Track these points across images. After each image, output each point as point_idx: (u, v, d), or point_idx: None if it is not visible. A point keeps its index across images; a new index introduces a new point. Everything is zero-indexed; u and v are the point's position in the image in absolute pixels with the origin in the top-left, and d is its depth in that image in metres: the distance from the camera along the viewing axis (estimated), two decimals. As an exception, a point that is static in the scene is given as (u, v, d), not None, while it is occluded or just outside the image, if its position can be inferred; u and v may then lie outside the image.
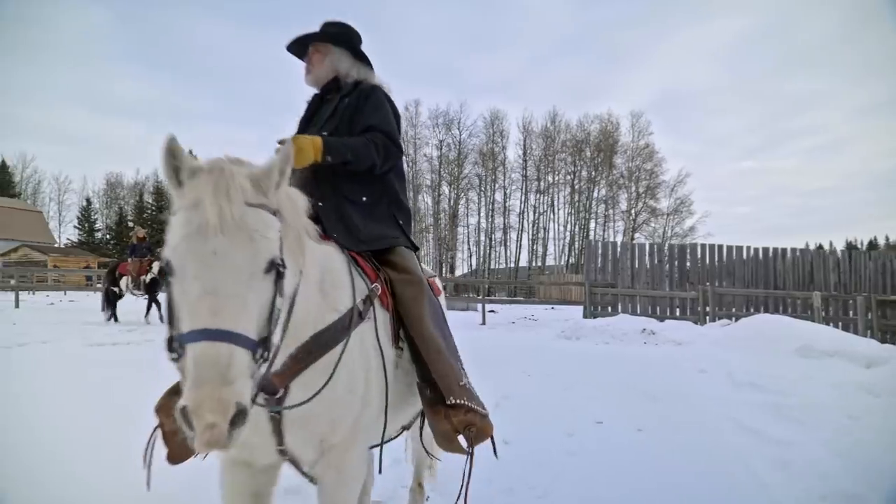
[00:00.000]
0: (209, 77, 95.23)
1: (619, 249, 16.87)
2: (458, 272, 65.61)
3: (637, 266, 16.54)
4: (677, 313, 15.83)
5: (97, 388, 6.15)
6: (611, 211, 64.34)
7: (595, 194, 64.55)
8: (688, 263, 16.61)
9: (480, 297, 17.70)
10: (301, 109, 2.78)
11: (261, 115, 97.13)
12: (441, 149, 65.87)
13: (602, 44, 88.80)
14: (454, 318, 16.40)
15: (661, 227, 62.52)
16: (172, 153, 1.40)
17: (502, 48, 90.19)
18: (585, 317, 15.84)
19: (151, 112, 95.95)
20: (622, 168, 64.02)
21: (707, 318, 14.74)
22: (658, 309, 16.02)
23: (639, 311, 15.88)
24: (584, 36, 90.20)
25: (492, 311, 22.26)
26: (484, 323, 16.34)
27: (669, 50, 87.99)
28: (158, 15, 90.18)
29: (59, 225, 73.74)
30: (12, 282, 31.85)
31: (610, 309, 16.15)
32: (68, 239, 71.01)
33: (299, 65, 2.79)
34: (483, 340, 11.91)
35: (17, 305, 18.81)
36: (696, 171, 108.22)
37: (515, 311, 21.95)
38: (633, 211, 63.16)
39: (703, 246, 16.99)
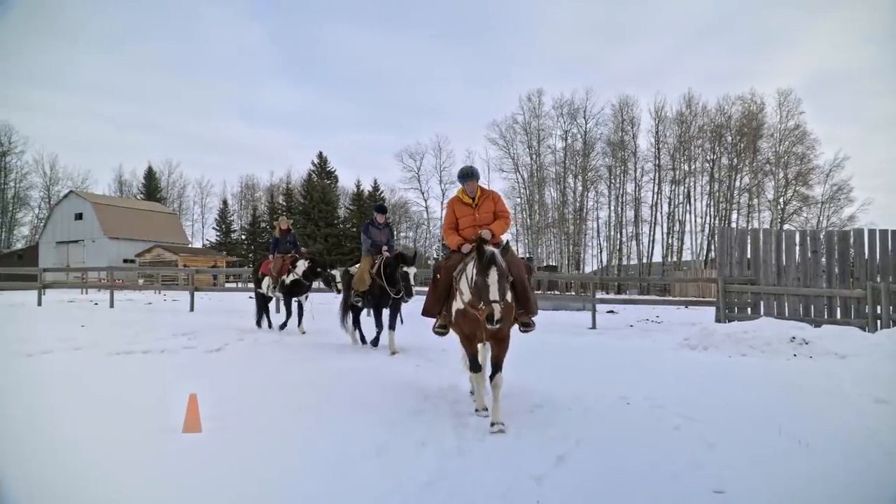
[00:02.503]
0: (347, 85, 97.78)
1: (761, 238, 13.97)
2: (587, 269, 62.54)
3: (785, 258, 13.59)
4: (837, 316, 12.77)
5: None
6: (755, 200, 58.61)
7: (737, 183, 59.09)
8: (852, 253, 13.40)
9: (592, 296, 15.48)
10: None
11: (395, 119, 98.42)
12: (566, 139, 63.13)
13: (746, 27, 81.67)
14: (560, 320, 14.26)
15: (814, 217, 56.07)
16: None
17: (636, 38, 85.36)
18: (718, 320, 13.22)
19: (295, 121, 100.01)
20: (768, 153, 58.04)
21: (879, 322, 11.69)
22: (812, 311, 13.02)
23: (786, 314, 12.95)
24: (725, 20, 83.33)
25: (611, 311, 19.88)
26: (594, 327, 14.16)
27: (824, 29, 79.15)
28: (304, 30, 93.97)
29: (203, 227, 78.68)
30: (141, 282, 33.71)
31: (749, 311, 13.36)
32: (207, 240, 75.56)
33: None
34: (581, 351, 9.89)
35: (111, 305, 18.98)
36: (854, 156, 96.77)
37: (640, 311, 19.42)
38: (781, 200, 57.06)
39: (872, 232, 13.61)
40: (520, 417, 5.38)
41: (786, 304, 13.30)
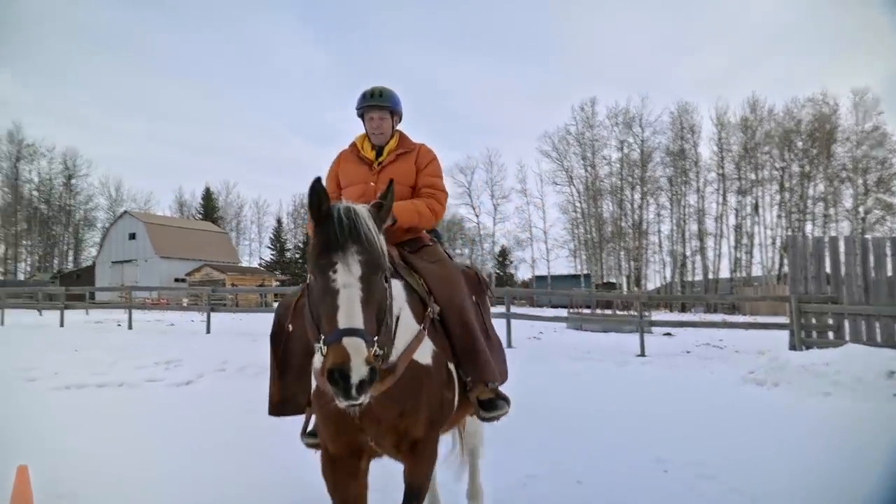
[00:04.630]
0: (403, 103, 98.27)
1: (842, 248, 11.77)
2: (649, 285, 59.65)
3: (874, 272, 11.33)
4: (945, 342, 10.46)
5: None
6: (832, 210, 54.55)
7: (810, 191, 55.22)
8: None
9: (639, 317, 13.51)
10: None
11: (446, 133, 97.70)
12: (622, 150, 60.64)
13: (814, 29, 77.58)
14: (605, 345, 12.45)
15: (901, 225, 51.73)
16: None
17: (696, 47, 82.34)
18: (793, 347, 11.11)
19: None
20: (844, 158, 54.03)
21: None
22: (912, 335, 10.76)
23: (879, 340, 10.71)
24: (792, 24, 79.28)
25: (668, 334, 17.76)
26: (642, 353, 12.21)
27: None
28: (366, 52, 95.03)
29: (259, 246, 79.46)
30: (185, 301, 33.28)
31: (831, 335, 11.17)
32: (262, 259, 76.17)
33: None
34: (618, 386, 8.11)
35: (129, 327, 18.15)
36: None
37: (701, 334, 17.20)
38: (861, 208, 52.86)
39: (982, 240, 11.32)
40: (502, 497, 3.79)
41: (877, 328, 10.99)
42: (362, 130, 3.59)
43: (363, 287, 2.00)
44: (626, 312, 21.76)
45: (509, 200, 66.11)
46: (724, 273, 57.52)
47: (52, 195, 67.44)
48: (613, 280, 59.73)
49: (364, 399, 1.88)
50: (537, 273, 62.57)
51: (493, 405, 2.98)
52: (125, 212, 59.32)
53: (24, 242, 66.69)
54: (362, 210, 2.15)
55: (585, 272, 59.79)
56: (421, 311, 2.70)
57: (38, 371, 8.94)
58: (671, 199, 59.66)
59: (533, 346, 13.91)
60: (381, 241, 2.14)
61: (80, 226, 71.16)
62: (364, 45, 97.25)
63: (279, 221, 77.30)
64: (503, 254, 68.97)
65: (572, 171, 62.46)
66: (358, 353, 1.84)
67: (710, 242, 58.33)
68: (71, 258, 70.77)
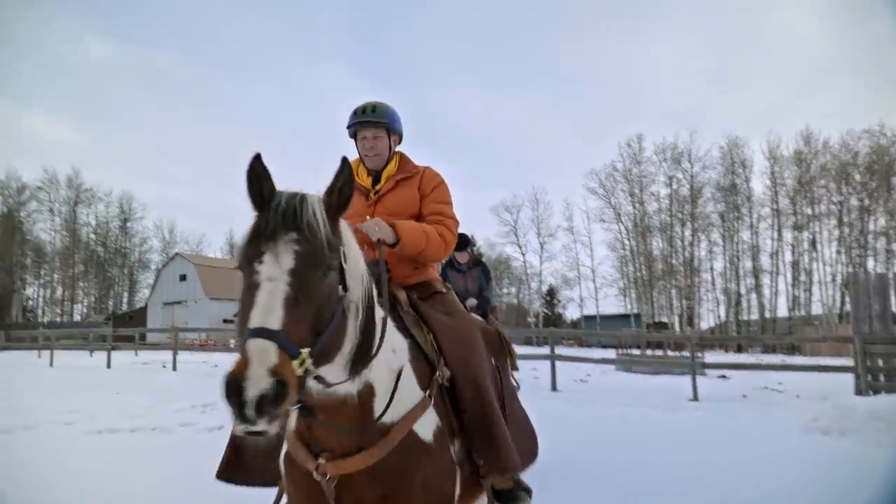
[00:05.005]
0: (447, 142, 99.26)
1: (910, 285, 11.04)
2: (703, 325, 57.79)
3: (945, 310, 10.56)
4: None
5: None
6: (895, 245, 52.13)
7: (871, 226, 52.99)
8: None
9: (691, 358, 12.86)
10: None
11: (490, 172, 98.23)
12: (671, 185, 59.59)
13: (871, 62, 75.59)
14: (655, 387, 11.81)
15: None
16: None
17: (745, 83, 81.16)
18: (859, 391, 10.37)
19: None
20: (906, 190, 51.84)
21: None
22: None
23: (957, 383, 9.93)
24: (846, 58, 77.40)
25: (723, 376, 16.94)
26: (695, 398, 11.57)
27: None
28: (412, 94, 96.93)
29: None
30: (232, 342, 33.53)
31: (903, 378, 10.40)
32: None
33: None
34: (666, 435, 7.60)
35: (174, 368, 18.25)
36: None
37: (758, 377, 16.30)
38: (926, 242, 50.46)
39: None
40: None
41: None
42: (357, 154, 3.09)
43: (293, 282, 1.59)
44: (677, 353, 20.93)
45: (556, 238, 65.44)
46: (782, 312, 55.33)
47: (108, 238, 69.89)
48: (665, 319, 58.10)
49: (271, 427, 1.38)
50: (586, 312, 61.44)
51: (511, 497, 2.59)
52: (177, 254, 60.95)
53: (81, 284, 68.86)
54: (312, 196, 1.80)
55: (636, 311, 58.32)
56: (427, 374, 2.31)
57: (76, 414, 9.02)
58: (723, 235, 58.08)
59: (579, 390, 13.39)
60: (328, 230, 1.74)
61: (134, 268, 73.41)
62: (410, 89, 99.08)
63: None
64: (551, 293, 67.93)
65: (620, 207, 61.66)
66: (261, 358, 1.40)
67: (765, 280, 56.34)
68: (125, 300, 72.86)
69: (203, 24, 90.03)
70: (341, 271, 1.79)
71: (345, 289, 1.81)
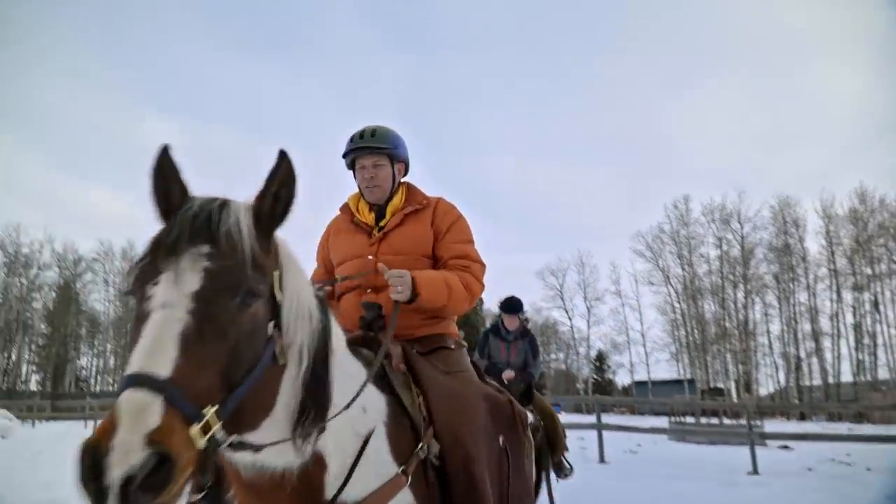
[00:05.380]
0: (496, 208, 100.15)
1: None
2: (761, 391, 55.19)
3: None
4: None
5: None
6: (964, 304, 49.36)
7: (938, 285, 50.41)
8: None
9: (748, 427, 12.02)
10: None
11: (534, 237, 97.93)
12: (721, 247, 58.13)
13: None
14: (711, 458, 11.03)
15: None
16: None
17: (795, 144, 79.98)
18: (939, 465, 9.45)
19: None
20: (973, 247, 49.41)
21: None
22: None
23: None
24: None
25: (785, 446, 15.82)
26: (755, 471, 10.72)
27: None
28: (460, 165, 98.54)
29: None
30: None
31: None
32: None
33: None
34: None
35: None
36: None
37: (824, 448, 15.09)
38: None
39: None
40: None
41: None
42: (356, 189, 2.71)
43: (196, 310, 1.16)
44: (735, 422, 19.82)
45: (603, 302, 64.00)
46: (846, 377, 52.34)
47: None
48: (721, 385, 55.70)
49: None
50: (637, 378, 59.45)
51: None
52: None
53: (133, 354, 70.17)
54: (237, 201, 1.38)
55: (689, 377, 56.15)
56: (409, 443, 1.86)
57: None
58: (779, 297, 55.97)
59: (628, 461, 12.63)
60: (254, 245, 1.30)
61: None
62: (455, 155, 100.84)
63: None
64: (600, 358, 66.15)
65: (668, 270, 60.27)
66: (135, 419, 0.97)
67: (826, 343, 53.68)
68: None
69: (253, 100, 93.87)
70: (273, 303, 1.37)
71: (278, 327, 1.37)
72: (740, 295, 56.76)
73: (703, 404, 22.32)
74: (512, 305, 6.99)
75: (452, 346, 2.45)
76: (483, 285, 2.51)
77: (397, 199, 2.59)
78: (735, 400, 44.43)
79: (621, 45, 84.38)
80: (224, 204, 1.33)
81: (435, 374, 2.17)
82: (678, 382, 55.26)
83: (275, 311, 1.37)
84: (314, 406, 1.49)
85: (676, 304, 59.60)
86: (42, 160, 79.44)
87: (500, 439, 2.18)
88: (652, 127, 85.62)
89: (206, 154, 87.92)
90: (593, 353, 65.73)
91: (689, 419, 21.20)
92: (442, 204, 2.62)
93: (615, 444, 14.77)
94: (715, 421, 20.32)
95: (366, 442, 1.71)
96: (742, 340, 55.60)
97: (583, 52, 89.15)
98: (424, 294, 2.19)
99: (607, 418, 14.14)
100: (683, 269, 59.46)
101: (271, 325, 1.35)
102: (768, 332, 56.70)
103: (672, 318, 59.54)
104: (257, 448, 1.39)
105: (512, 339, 7.00)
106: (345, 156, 2.60)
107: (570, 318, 65.68)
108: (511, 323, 7.01)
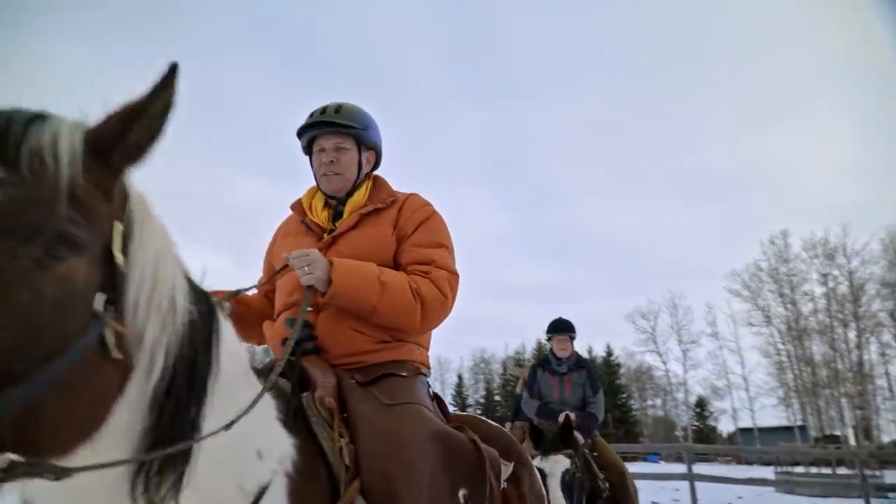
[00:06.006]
0: (583, 254, 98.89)
1: None
2: (884, 438, 50.71)
3: None
4: None
5: None
6: None
7: None
8: None
9: (861, 478, 11.05)
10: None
11: (642, 279, 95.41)
12: (826, 283, 54.60)
13: None
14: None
15: None
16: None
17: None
18: None
19: (541, 294, 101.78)
20: None
21: None
22: None
23: None
24: None
25: (909, 501, 14.41)
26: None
27: None
28: (548, 211, 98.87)
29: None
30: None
31: None
32: (450, 415, 76.46)
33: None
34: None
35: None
36: None
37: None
38: None
39: None
40: None
41: None
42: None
43: None
44: (851, 471, 18.28)
45: (699, 345, 61.16)
46: None
47: (251, 362, 74.38)
48: (837, 433, 51.60)
49: None
50: (742, 425, 56.03)
51: None
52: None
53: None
54: (62, 118, 0.95)
55: (800, 423, 52.38)
56: (321, 499, 1.43)
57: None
58: (896, 335, 51.86)
59: (727, 516, 11.86)
60: (77, 174, 0.90)
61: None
62: (545, 202, 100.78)
63: (460, 378, 78.12)
64: (700, 404, 62.91)
65: (769, 309, 56.96)
66: None
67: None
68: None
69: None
70: (110, 268, 0.95)
71: (114, 304, 0.95)
72: (852, 334, 52.83)
73: (811, 452, 20.73)
74: (560, 325, 5.79)
75: (404, 374, 1.90)
76: (448, 298, 1.99)
77: (359, 195, 2.13)
78: (848, 448, 41.12)
79: (708, 80, 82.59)
80: (39, 117, 0.92)
81: (371, 408, 1.69)
82: (788, 429, 51.70)
83: (111, 279, 0.96)
84: (169, 436, 1.04)
85: (780, 346, 56.14)
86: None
87: (461, 494, 1.69)
88: (742, 162, 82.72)
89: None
90: (692, 399, 62.69)
91: (798, 469, 19.73)
92: (411, 201, 2.15)
93: (714, 497, 13.93)
94: (827, 471, 18.80)
95: (255, 502, 1.24)
96: (858, 383, 51.54)
97: (665, 90, 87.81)
98: (340, 283, 1.76)
99: (709, 468, 13.38)
100: (786, 308, 56.11)
101: (101, 298, 0.93)
102: (887, 373, 52.35)
103: (777, 361, 56.08)
104: (60, 472, 0.87)
105: (565, 370, 5.71)
106: (300, 134, 2.13)
107: (664, 363, 63.10)
108: (561, 348, 5.76)
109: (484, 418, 2.31)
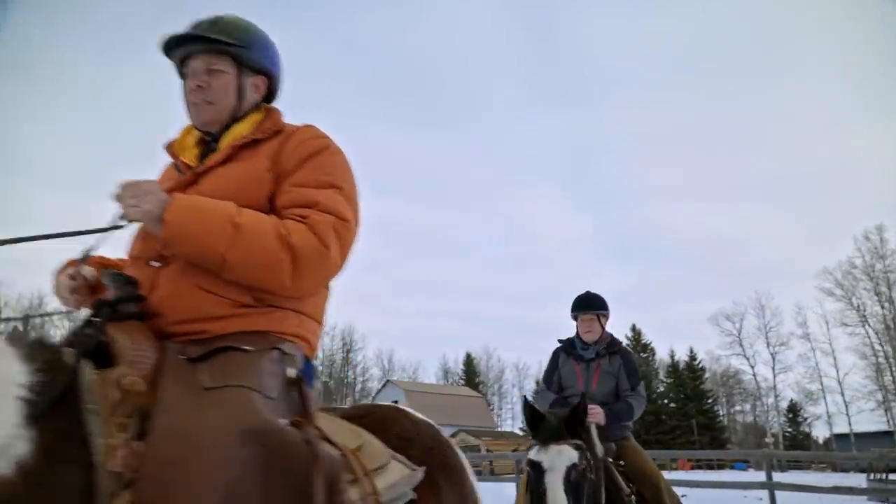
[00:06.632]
0: (666, 258, 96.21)
1: None
2: None
3: None
4: None
5: None
6: None
7: None
8: None
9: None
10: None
11: (725, 281, 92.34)
12: (928, 280, 51.20)
13: None
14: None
15: None
16: None
17: None
18: None
19: (619, 298, 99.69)
20: None
21: None
22: None
23: None
24: None
25: None
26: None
27: None
28: (628, 216, 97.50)
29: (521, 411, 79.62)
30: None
31: None
32: (523, 424, 75.62)
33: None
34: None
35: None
36: None
37: None
38: None
39: None
40: None
41: None
42: None
43: None
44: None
45: (789, 347, 58.42)
46: None
47: (333, 369, 75.98)
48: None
49: None
50: (837, 430, 53.05)
51: None
52: (388, 381, 64.80)
53: (312, 415, 75.12)
54: None
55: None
56: None
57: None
58: None
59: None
60: None
61: (356, 397, 78.36)
62: (623, 205, 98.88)
63: (537, 384, 77.39)
64: (793, 409, 59.97)
65: (865, 308, 53.84)
66: None
67: None
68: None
69: (421, 168, 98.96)
70: None
71: None
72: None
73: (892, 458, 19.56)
74: (586, 301, 4.46)
75: (249, 348, 1.44)
76: (331, 248, 1.51)
77: (240, 129, 1.72)
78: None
79: (795, 75, 79.07)
80: None
81: (183, 393, 1.28)
82: (888, 434, 48.59)
83: None
84: None
85: (878, 347, 52.93)
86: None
87: None
88: (831, 157, 78.71)
89: (385, 222, 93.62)
90: (783, 404, 59.92)
91: (894, 476, 18.66)
92: (302, 131, 1.73)
93: (799, 506, 13.44)
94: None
95: None
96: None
97: (751, 87, 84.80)
98: (176, 223, 1.39)
99: (800, 476, 12.98)
100: (883, 308, 52.89)
101: None
102: None
103: (874, 363, 52.87)
104: None
105: (593, 355, 4.40)
106: (168, 53, 1.74)
107: (751, 366, 60.61)
108: (587, 329, 4.42)
109: (408, 411, 1.91)
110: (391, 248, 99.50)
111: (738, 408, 67.03)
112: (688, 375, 60.13)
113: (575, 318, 4.46)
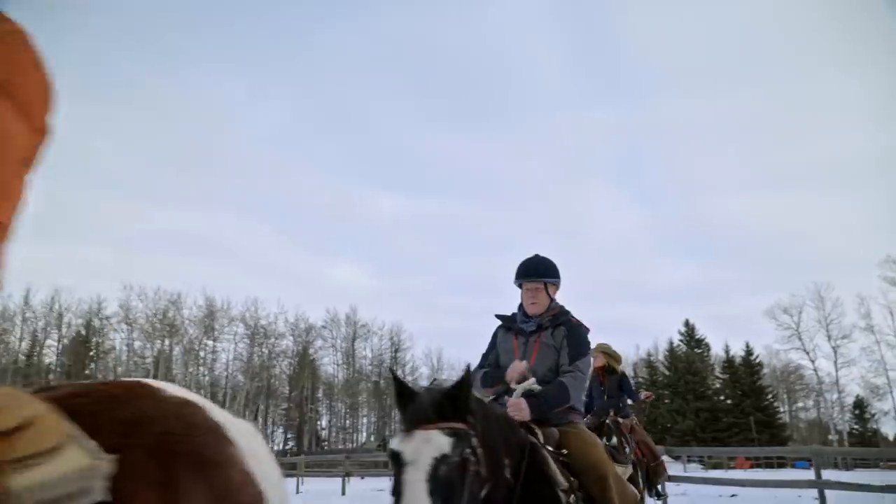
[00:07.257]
0: (722, 252, 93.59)
1: None
2: None
3: None
4: None
5: None
6: None
7: None
8: None
9: None
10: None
11: (780, 272, 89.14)
12: None
13: None
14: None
15: None
16: None
17: None
18: None
19: (674, 293, 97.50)
20: None
21: None
22: None
23: None
24: None
25: None
26: None
27: None
28: (685, 207, 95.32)
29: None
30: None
31: None
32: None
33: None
34: None
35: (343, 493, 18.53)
36: None
37: None
38: None
39: None
40: None
41: None
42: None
43: None
44: None
45: (852, 340, 55.80)
46: None
47: (382, 367, 76.45)
48: None
49: None
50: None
51: None
52: (435, 380, 64.20)
53: (362, 412, 75.77)
54: None
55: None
56: None
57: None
58: None
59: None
60: None
61: (405, 396, 79.13)
62: (680, 202, 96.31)
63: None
64: (859, 405, 57.18)
65: (933, 297, 51.05)
66: None
67: None
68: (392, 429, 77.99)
69: (465, 166, 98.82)
70: None
71: None
72: None
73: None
74: (531, 267, 3.74)
75: None
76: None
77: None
78: None
79: (852, 60, 75.64)
80: None
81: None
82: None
83: None
84: None
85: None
86: (275, 240, 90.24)
87: None
88: (891, 142, 74.96)
89: (437, 221, 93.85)
90: (848, 400, 57.19)
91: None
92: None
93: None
94: None
95: None
96: None
97: (804, 73, 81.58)
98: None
99: (829, 474, 12.11)
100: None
101: None
102: None
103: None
104: None
105: (533, 328, 3.65)
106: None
107: (812, 360, 58.06)
108: (531, 300, 3.69)
109: (158, 387, 1.46)
110: (441, 245, 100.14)
111: (800, 404, 64.49)
112: (744, 371, 57.98)
113: (519, 286, 3.77)
